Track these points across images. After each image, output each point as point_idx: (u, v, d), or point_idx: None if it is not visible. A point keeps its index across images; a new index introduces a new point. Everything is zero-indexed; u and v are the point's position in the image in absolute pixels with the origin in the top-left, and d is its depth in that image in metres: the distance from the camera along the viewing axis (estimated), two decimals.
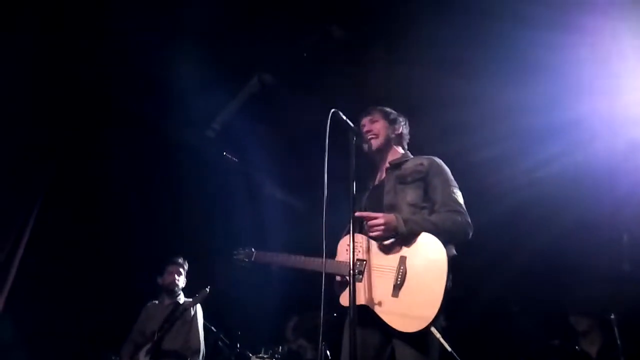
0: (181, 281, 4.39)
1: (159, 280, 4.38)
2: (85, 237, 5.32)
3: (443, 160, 2.49)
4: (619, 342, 3.62)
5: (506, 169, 4.73)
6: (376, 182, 2.62)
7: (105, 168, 5.19)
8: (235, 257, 2.76)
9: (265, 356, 4.68)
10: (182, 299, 4.33)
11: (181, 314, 4.07)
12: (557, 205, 4.68)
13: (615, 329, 3.66)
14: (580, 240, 4.61)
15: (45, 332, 4.93)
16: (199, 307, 4.29)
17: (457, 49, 3.91)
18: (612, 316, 3.72)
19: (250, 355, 4.71)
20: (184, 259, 4.49)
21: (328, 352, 4.09)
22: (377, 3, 3.90)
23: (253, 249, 2.72)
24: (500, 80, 3.98)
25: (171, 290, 4.31)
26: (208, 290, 4.10)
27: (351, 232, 2.10)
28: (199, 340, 4.14)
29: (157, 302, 4.41)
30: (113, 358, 4.23)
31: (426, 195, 2.37)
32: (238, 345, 4.81)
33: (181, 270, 4.40)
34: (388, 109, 2.71)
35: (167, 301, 4.33)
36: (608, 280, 4.24)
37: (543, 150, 4.54)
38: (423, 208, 2.33)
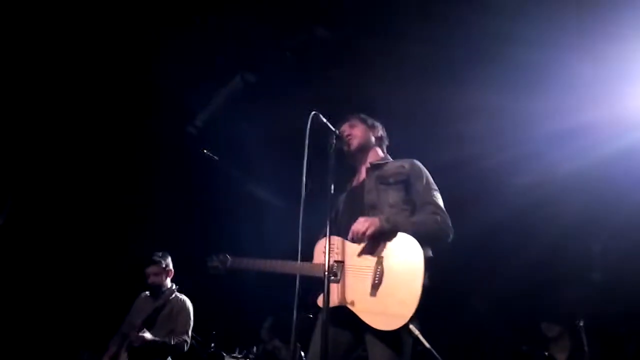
0: (163, 278, 4.15)
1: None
2: (61, 235, 5.25)
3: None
4: (586, 348, 3.71)
5: (492, 182, 4.80)
6: (355, 183, 2.63)
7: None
8: (209, 264, 2.64)
9: (239, 356, 4.68)
10: (173, 293, 4.12)
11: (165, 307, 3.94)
12: (533, 217, 4.76)
13: (583, 335, 3.75)
14: (554, 250, 4.71)
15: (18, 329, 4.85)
16: (187, 299, 4.12)
17: (467, 66, 4.05)
18: (581, 323, 3.81)
19: (225, 355, 4.70)
20: (164, 253, 4.25)
21: (302, 353, 4.09)
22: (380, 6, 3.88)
23: (228, 256, 2.62)
24: (506, 92, 4.04)
25: (157, 291, 4.13)
26: None
27: (327, 234, 2.10)
28: (185, 327, 3.96)
29: (148, 293, 4.22)
30: (81, 351, 4.13)
31: (407, 197, 2.38)
32: (212, 345, 4.77)
33: (159, 269, 4.14)
34: (365, 116, 2.73)
35: (156, 296, 4.13)
36: (578, 288, 4.34)
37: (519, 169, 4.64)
38: (404, 210, 2.34)
